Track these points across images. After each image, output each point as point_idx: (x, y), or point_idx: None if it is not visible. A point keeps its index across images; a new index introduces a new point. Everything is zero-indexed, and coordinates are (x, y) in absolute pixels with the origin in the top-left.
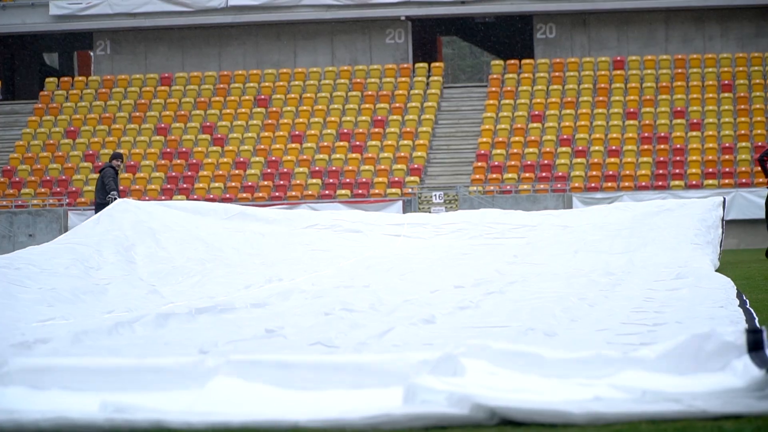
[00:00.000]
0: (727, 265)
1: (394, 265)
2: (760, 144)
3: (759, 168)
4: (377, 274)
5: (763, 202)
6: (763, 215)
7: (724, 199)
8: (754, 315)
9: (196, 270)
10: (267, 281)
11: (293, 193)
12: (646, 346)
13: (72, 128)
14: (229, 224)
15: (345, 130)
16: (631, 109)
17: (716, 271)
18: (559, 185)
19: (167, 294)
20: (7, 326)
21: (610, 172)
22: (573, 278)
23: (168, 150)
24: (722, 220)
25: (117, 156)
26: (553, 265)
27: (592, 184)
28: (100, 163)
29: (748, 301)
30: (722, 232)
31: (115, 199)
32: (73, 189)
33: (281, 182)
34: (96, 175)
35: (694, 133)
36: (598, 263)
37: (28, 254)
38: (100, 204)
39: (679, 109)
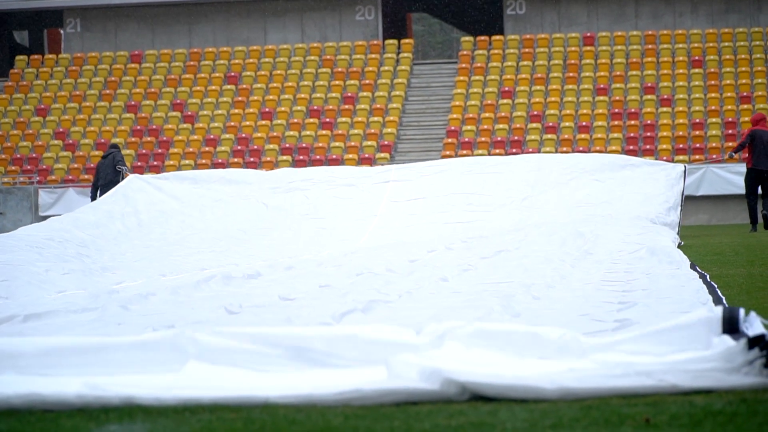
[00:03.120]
0: (697, 240)
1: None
2: (730, 119)
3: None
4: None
5: (731, 177)
6: (732, 191)
7: (685, 167)
8: (705, 273)
9: (213, 248)
10: (282, 257)
11: (263, 170)
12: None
13: (42, 106)
14: (234, 189)
15: (315, 107)
16: (602, 85)
17: (682, 245)
18: None
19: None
20: (98, 284)
21: (581, 148)
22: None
23: (138, 127)
24: (682, 194)
25: (117, 146)
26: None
27: None
28: (71, 141)
29: (697, 266)
30: (681, 209)
31: (126, 173)
32: (44, 167)
33: (251, 159)
34: (67, 153)
35: (664, 109)
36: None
37: (57, 230)
38: (111, 182)
39: (649, 84)
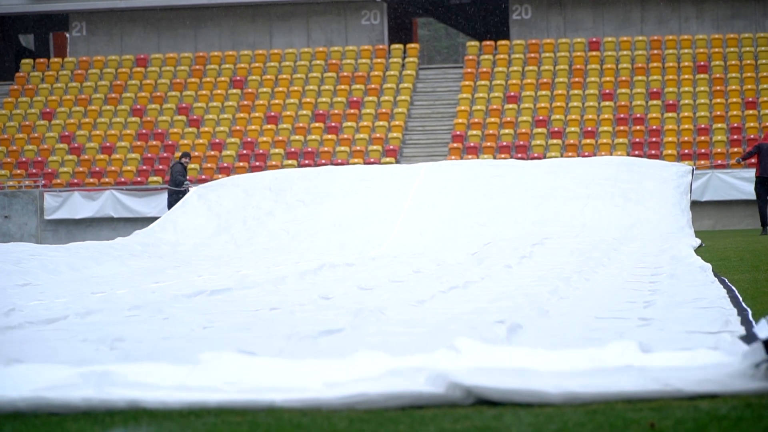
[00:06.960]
0: (703, 246)
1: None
2: (735, 125)
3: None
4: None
5: (737, 183)
6: (737, 197)
7: (693, 168)
8: (728, 282)
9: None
10: (359, 252)
11: None
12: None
13: (48, 110)
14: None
15: (320, 112)
16: (607, 91)
17: (699, 245)
18: None
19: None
20: (224, 272)
21: (586, 153)
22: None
23: (144, 131)
24: (690, 186)
25: (186, 155)
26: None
27: None
28: (76, 145)
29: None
30: (689, 199)
31: (188, 187)
32: (49, 170)
33: (257, 163)
34: (72, 157)
35: (669, 115)
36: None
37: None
38: (172, 192)
39: (654, 90)
